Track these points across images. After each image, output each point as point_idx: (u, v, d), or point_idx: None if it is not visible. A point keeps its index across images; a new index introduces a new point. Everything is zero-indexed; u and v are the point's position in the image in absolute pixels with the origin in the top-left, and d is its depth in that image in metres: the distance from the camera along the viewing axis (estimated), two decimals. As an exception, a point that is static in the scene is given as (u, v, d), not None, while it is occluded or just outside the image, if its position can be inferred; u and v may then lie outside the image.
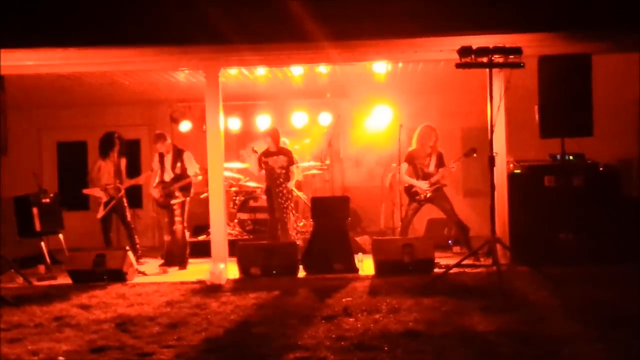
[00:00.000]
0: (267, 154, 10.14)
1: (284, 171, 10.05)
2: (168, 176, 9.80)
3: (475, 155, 9.23)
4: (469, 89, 10.61)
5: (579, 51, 8.55)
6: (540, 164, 9.03)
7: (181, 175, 9.77)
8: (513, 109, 9.01)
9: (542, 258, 8.17)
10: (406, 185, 9.72)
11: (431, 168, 9.55)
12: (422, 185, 9.49)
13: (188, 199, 9.83)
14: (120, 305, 7.09)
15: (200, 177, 9.81)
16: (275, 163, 10.04)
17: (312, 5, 8.30)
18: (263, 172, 10.21)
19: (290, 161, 10.15)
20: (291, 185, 10.11)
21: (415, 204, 9.62)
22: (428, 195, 9.48)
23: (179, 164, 9.81)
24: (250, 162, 10.69)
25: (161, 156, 9.88)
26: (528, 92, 8.78)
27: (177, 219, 9.74)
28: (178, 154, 9.87)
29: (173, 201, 9.71)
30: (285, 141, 10.81)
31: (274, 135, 10.17)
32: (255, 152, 10.10)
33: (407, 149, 9.99)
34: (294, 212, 10.44)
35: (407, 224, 9.70)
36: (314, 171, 11.62)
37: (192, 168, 9.82)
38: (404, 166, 9.69)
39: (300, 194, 11.16)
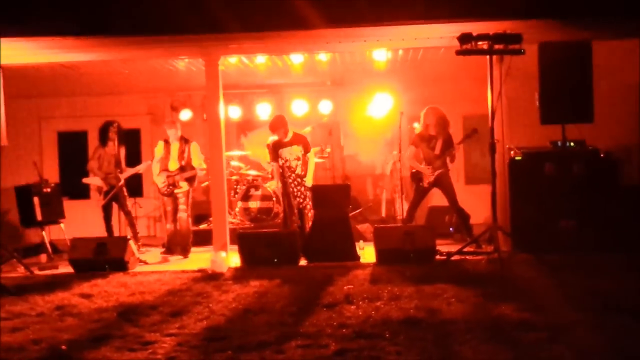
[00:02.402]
0: (280, 144, 9.65)
1: (299, 162, 9.62)
2: (173, 165, 9.78)
3: (477, 133, 9.23)
4: (469, 76, 10.58)
5: (579, 38, 8.54)
6: (541, 150, 9.01)
7: (187, 166, 9.75)
8: (513, 95, 8.99)
9: (543, 245, 8.19)
10: (412, 170, 9.69)
11: (437, 151, 9.51)
12: (426, 170, 9.48)
13: (192, 187, 9.85)
14: (121, 294, 7.10)
15: (204, 171, 9.79)
16: (290, 155, 9.61)
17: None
18: (274, 165, 9.75)
19: (307, 149, 9.70)
20: (309, 182, 9.60)
21: (421, 190, 9.60)
22: (432, 179, 9.46)
23: (185, 154, 9.79)
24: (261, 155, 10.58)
25: (166, 144, 9.86)
26: (528, 79, 8.76)
27: (182, 207, 9.75)
28: (185, 144, 9.85)
29: (177, 190, 9.72)
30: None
31: (283, 123, 9.64)
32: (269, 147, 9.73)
33: (407, 136, 9.97)
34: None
35: (413, 209, 9.67)
36: (316, 159, 11.60)
37: (198, 159, 9.80)
38: (411, 149, 9.64)
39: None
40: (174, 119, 10.07)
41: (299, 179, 9.62)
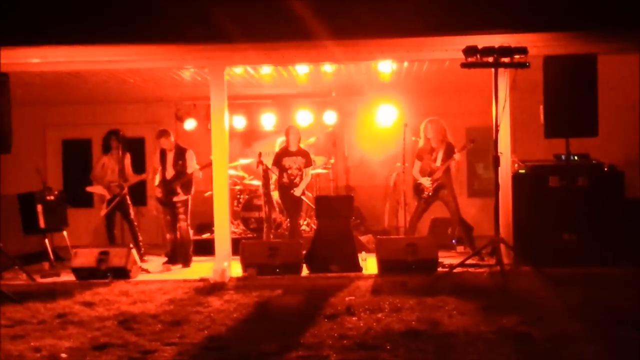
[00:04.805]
0: (285, 153, 10.09)
1: (300, 173, 10.00)
2: (169, 174, 9.79)
3: (473, 143, 9.29)
4: (474, 88, 10.59)
5: (584, 51, 8.52)
6: (545, 164, 9.01)
7: (182, 173, 9.76)
8: (518, 108, 8.98)
9: (546, 258, 8.14)
10: (415, 182, 9.72)
11: (438, 162, 9.52)
12: (425, 182, 9.50)
13: (190, 196, 9.84)
14: (123, 302, 7.09)
15: (200, 174, 9.80)
16: (294, 163, 10.00)
17: (316, 4, 8.30)
18: (274, 168, 10.12)
19: (308, 163, 10.09)
20: (298, 192, 9.95)
21: (423, 201, 9.61)
22: (431, 191, 9.46)
23: (180, 162, 9.80)
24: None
25: (163, 154, 9.88)
26: (533, 92, 8.75)
27: (181, 216, 9.75)
28: (181, 152, 9.87)
29: (175, 198, 9.72)
30: None
31: (297, 133, 10.16)
32: (261, 162, 9.98)
33: (411, 148, 9.98)
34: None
35: (415, 221, 9.68)
36: (319, 170, 11.62)
37: (193, 167, 9.81)
38: (417, 164, 9.72)
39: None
40: (165, 128, 10.08)
41: (297, 181, 10.00)
